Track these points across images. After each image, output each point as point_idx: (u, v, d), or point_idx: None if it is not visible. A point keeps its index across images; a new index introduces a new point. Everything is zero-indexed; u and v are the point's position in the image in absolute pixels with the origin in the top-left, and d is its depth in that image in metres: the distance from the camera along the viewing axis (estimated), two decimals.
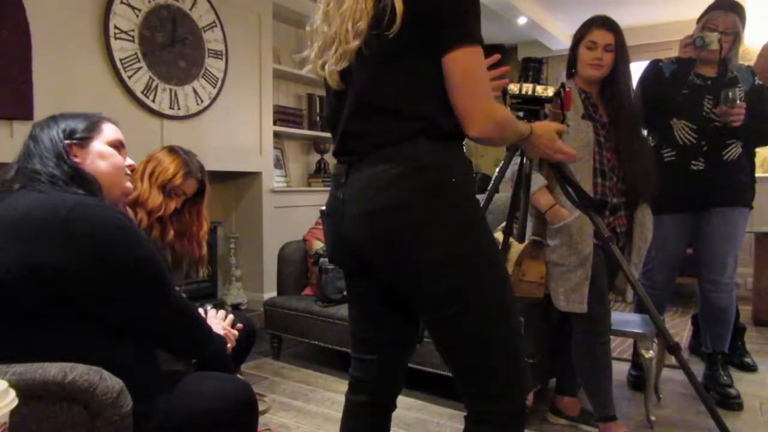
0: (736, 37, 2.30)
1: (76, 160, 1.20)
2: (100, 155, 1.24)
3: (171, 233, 1.80)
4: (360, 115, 1.09)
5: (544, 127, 1.29)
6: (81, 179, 1.17)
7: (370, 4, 1.03)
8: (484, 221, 1.11)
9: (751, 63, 2.57)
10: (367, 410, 1.27)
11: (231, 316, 1.61)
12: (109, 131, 1.28)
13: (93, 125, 1.26)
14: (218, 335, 1.41)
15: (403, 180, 1.03)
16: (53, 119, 1.24)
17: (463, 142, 1.13)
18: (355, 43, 1.05)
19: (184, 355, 1.41)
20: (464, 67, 1.02)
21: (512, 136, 1.18)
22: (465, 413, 1.13)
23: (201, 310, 1.52)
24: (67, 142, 1.20)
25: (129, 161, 1.32)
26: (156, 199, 1.75)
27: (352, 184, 1.09)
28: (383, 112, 1.06)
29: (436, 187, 1.03)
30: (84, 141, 1.22)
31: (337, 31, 1.08)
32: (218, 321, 1.57)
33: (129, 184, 1.33)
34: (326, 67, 1.11)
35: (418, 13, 1.00)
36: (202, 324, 1.30)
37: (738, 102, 2.13)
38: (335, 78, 1.10)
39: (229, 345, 1.48)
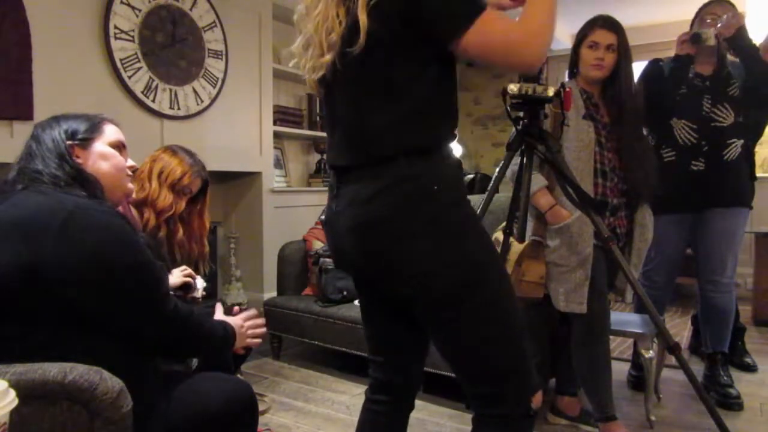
0: None
1: (78, 160, 1.20)
2: (102, 156, 1.24)
3: (180, 232, 1.81)
4: (341, 131, 1.09)
5: None
6: (83, 180, 1.17)
7: (342, 12, 1.01)
8: (475, 225, 1.09)
9: None
10: (385, 409, 1.27)
11: (247, 314, 1.56)
12: (111, 132, 1.28)
13: (95, 126, 1.26)
14: (219, 329, 1.38)
15: (384, 193, 1.03)
16: (55, 119, 1.24)
17: (453, 142, 1.11)
18: (328, 57, 1.03)
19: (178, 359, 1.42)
20: (478, 44, 0.99)
21: (553, 15, 1.11)
22: (471, 414, 1.13)
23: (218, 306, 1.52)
24: (69, 142, 1.20)
25: (130, 162, 1.32)
26: (167, 198, 1.76)
27: (342, 196, 1.10)
28: (361, 134, 1.05)
29: (418, 198, 1.02)
30: (86, 142, 1.22)
31: (311, 38, 1.07)
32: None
33: (131, 185, 1.33)
34: (306, 76, 1.11)
35: (392, 21, 0.97)
36: (199, 329, 1.27)
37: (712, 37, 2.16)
38: (316, 86, 1.11)
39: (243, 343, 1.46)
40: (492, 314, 1.06)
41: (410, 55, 1.01)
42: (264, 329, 1.52)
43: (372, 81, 1.03)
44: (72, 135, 1.21)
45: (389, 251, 1.04)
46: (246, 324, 1.46)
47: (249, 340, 1.46)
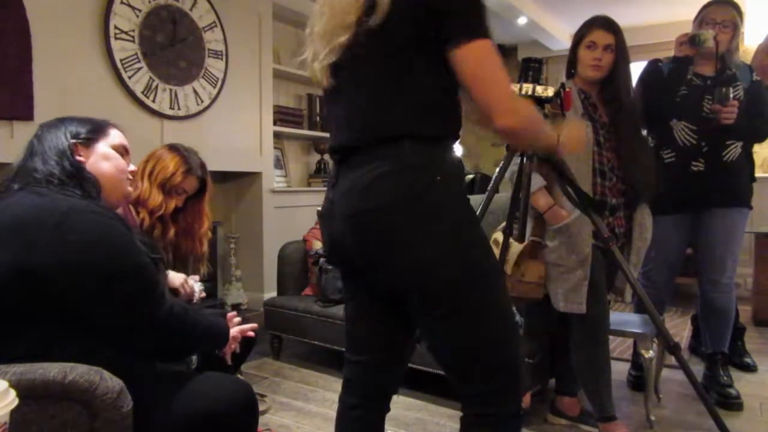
0: (735, 30, 2.28)
1: (80, 158, 1.21)
2: (104, 157, 1.26)
3: (171, 232, 1.80)
4: (351, 113, 1.08)
5: (571, 137, 1.31)
6: (80, 178, 1.17)
7: None
8: (473, 219, 1.09)
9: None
10: (360, 412, 1.25)
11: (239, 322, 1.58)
12: (116, 136, 1.31)
13: (100, 128, 1.28)
14: (214, 328, 1.40)
15: (385, 181, 1.02)
16: (60, 120, 1.26)
17: (456, 142, 1.12)
18: (343, 38, 1.03)
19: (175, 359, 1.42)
20: (477, 61, 1.00)
21: (540, 136, 1.18)
22: (461, 414, 1.12)
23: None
24: (73, 141, 1.22)
25: (132, 167, 1.35)
26: (156, 198, 1.75)
27: (340, 184, 1.09)
28: (369, 112, 1.05)
29: (420, 187, 1.02)
30: (89, 141, 1.24)
31: (326, 27, 1.06)
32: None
33: (129, 189, 1.35)
34: (319, 66, 1.09)
35: (414, 7, 0.99)
36: (195, 328, 1.28)
37: (729, 100, 2.13)
38: (326, 74, 1.09)
39: (232, 346, 1.47)
40: (486, 312, 1.06)
41: (423, 43, 1.01)
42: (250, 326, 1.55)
43: (385, 64, 1.03)
44: (76, 135, 1.23)
45: (387, 240, 1.03)
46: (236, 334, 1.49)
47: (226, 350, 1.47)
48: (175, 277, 1.80)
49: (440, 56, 1.02)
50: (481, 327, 1.05)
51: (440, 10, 0.99)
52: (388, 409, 1.29)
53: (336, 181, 1.10)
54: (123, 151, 1.31)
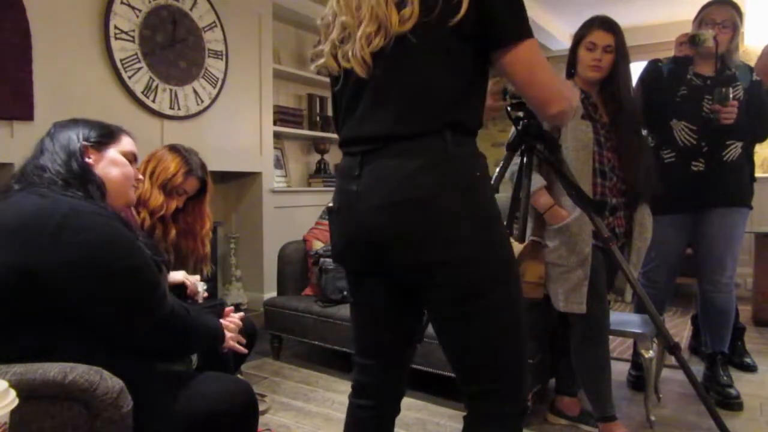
0: (735, 30, 2.29)
1: (90, 161, 1.23)
2: (114, 162, 1.27)
3: (173, 233, 1.80)
4: (388, 102, 1.04)
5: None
6: (86, 180, 1.18)
7: None
8: (501, 218, 1.09)
9: (752, 64, 2.57)
10: (371, 414, 1.25)
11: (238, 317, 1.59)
12: (127, 143, 1.33)
13: (113, 133, 1.30)
14: (214, 327, 1.41)
15: (429, 171, 1.00)
16: (74, 121, 1.27)
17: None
18: (405, 28, 0.99)
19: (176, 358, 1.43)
20: (531, 58, 1.03)
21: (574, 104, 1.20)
22: (464, 413, 1.12)
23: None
24: (85, 143, 1.23)
25: (138, 175, 1.37)
26: (157, 199, 1.75)
27: (369, 175, 1.05)
28: (417, 101, 1.02)
29: (464, 180, 1.02)
30: (101, 145, 1.26)
31: (372, 14, 1.01)
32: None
33: (133, 196, 1.36)
34: (352, 53, 1.04)
35: (483, 6, 0.99)
36: (197, 329, 1.29)
37: (729, 100, 2.13)
38: (367, 62, 1.02)
39: (228, 335, 1.47)
40: (510, 310, 1.06)
41: (471, 38, 1.01)
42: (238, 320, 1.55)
43: (436, 55, 1.01)
44: (88, 137, 1.24)
45: (429, 232, 1.01)
46: (231, 328, 1.49)
47: (231, 343, 1.47)
48: (176, 274, 1.81)
49: (482, 51, 1.03)
50: (504, 325, 1.06)
51: (491, 11, 0.99)
52: (398, 410, 1.29)
53: (360, 172, 1.06)
54: (131, 158, 1.33)
